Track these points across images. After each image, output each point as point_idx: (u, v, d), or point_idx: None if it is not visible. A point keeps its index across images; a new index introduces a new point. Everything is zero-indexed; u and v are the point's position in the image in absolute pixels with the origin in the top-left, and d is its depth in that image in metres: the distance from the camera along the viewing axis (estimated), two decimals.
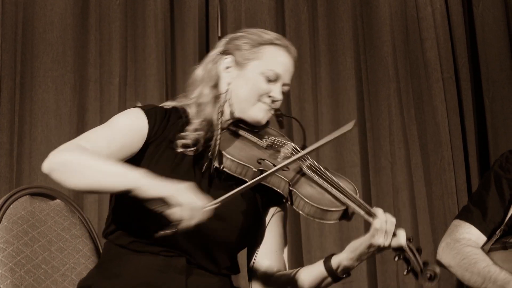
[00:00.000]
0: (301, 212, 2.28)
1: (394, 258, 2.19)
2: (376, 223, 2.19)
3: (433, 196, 4.07)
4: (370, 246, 2.21)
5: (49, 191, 3.00)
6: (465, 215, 2.90)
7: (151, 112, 2.44)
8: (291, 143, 2.47)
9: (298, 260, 3.89)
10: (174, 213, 2.10)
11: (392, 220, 2.20)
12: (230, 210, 2.36)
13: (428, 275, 2.12)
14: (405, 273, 2.17)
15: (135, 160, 2.38)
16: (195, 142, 2.39)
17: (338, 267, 2.30)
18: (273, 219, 2.51)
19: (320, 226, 3.92)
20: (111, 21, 3.93)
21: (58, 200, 2.98)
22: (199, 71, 2.56)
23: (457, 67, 4.22)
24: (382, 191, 4.02)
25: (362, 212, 2.24)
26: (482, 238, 2.84)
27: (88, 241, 2.93)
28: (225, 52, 2.53)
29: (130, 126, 2.40)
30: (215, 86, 2.50)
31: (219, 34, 4.04)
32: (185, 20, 3.97)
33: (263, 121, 2.46)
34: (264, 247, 2.49)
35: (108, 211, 2.48)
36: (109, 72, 3.85)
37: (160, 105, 2.53)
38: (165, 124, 2.45)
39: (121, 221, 2.41)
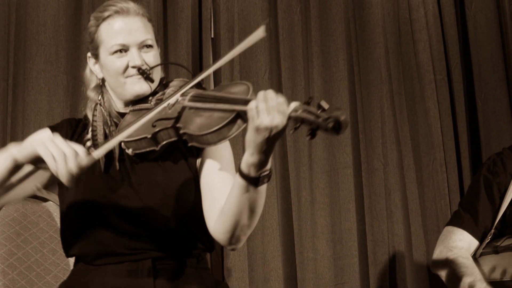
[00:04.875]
0: (208, 146, 2.22)
1: (291, 131, 2.00)
2: (250, 107, 2.03)
3: (425, 197, 4.08)
4: (257, 130, 2.01)
5: (41, 192, 3.00)
6: (457, 221, 2.91)
7: (56, 127, 2.50)
8: (173, 88, 2.41)
9: (291, 262, 3.89)
10: (51, 168, 2.05)
11: (270, 95, 2.01)
12: (161, 186, 2.36)
13: (331, 125, 1.90)
14: (307, 138, 1.97)
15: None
16: (95, 143, 2.39)
17: (248, 168, 2.10)
18: (202, 168, 2.43)
19: (312, 228, 3.93)
20: None
21: (50, 202, 2.98)
22: (84, 77, 2.59)
23: (450, 69, 4.24)
24: (375, 193, 4.03)
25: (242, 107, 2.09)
26: (474, 243, 2.85)
27: None
28: (88, 50, 2.53)
29: None
30: (97, 86, 2.54)
31: (212, 36, 4.04)
32: (178, 21, 3.97)
33: (143, 91, 2.40)
34: (207, 198, 2.38)
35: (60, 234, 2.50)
36: None
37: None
38: (70, 134, 2.49)
39: (76, 242, 2.41)
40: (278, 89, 4.04)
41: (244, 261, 3.82)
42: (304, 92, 4.04)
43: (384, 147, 4.06)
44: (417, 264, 3.96)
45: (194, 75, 2.37)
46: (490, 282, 2.76)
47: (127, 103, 2.47)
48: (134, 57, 2.39)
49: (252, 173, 2.11)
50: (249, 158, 2.09)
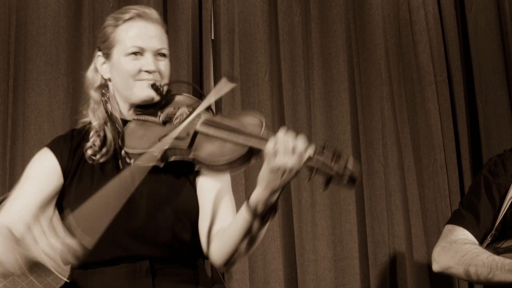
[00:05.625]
0: (215, 174, 2.28)
1: (306, 180, 2.10)
2: (268, 146, 2.09)
3: (425, 199, 4.07)
4: (272, 170, 2.08)
5: None
6: (458, 220, 2.90)
7: (54, 145, 2.48)
8: (185, 108, 2.41)
9: (291, 263, 3.89)
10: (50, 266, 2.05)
11: (289, 138, 2.08)
12: (165, 195, 2.37)
13: (345, 182, 2.01)
14: (321, 189, 2.07)
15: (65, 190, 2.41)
16: (99, 147, 2.41)
17: (256, 203, 2.16)
18: (202, 186, 2.44)
19: (313, 230, 3.92)
20: None
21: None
22: (86, 76, 2.57)
23: (450, 70, 4.23)
24: (375, 194, 4.02)
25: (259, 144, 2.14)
26: (475, 243, 2.84)
27: None
28: (98, 49, 2.52)
29: (41, 170, 2.44)
30: (101, 86, 2.52)
31: (212, 37, 4.04)
32: (178, 22, 3.96)
33: (150, 97, 2.41)
34: (204, 219, 2.39)
35: None
36: None
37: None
38: (69, 146, 2.47)
39: None
40: (279, 91, 4.04)
41: (245, 263, 3.82)
42: (305, 93, 4.04)
43: (385, 149, 4.06)
44: (417, 265, 3.96)
45: (202, 95, 2.39)
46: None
47: (131, 107, 2.48)
48: (148, 62, 2.42)
49: (260, 209, 2.17)
50: (259, 195, 2.15)
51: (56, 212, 2.46)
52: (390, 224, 4.00)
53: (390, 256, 3.98)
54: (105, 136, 2.45)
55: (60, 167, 2.44)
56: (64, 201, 2.42)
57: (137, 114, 2.45)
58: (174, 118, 2.38)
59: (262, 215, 2.18)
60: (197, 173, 2.43)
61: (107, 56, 2.48)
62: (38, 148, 3.67)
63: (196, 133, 2.29)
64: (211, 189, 2.41)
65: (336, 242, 3.95)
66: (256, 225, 2.21)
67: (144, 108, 2.45)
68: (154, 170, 2.35)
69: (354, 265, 3.93)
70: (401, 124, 4.11)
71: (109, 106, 2.49)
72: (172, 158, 2.32)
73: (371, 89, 4.14)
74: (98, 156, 2.41)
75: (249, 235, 2.23)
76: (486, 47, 4.24)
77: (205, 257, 2.45)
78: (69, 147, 2.48)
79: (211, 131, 2.27)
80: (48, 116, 3.73)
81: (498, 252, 2.75)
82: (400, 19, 4.24)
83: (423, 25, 4.21)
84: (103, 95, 2.50)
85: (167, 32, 2.55)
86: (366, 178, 4.04)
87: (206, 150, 2.25)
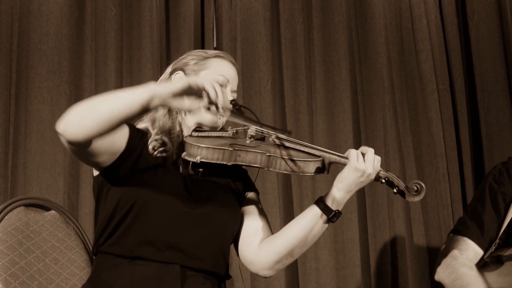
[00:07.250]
0: (280, 171, 2.44)
1: (380, 181, 2.44)
2: (359, 150, 2.41)
3: (428, 207, 4.07)
4: (355, 170, 2.38)
5: (44, 202, 3.00)
6: (462, 230, 2.90)
7: (131, 125, 2.56)
8: (253, 125, 2.57)
9: (293, 272, 3.89)
10: (209, 91, 2.23)
11: (372, 150, 2.42)
12: (211, 206, 2.49)
13: (415, 188, 2.41)
14: (395, 191, 2.43)
15: (116, 176, 2.46)
16: (162, 143, 2.52)
17: (330, 200, 2.45)
18: (248, 203, 2.65)
19: None
20: (106, 32, 3.93)
21: (53, 211, 2.97)
22: None
23: (452, 79, 4.23)
24: (377, 203, 4.02)
25: (337, 158, 2.44)
26: (479, 253, 2.83)
27: (82, 252, 2.93)
28: (174, 71, 2.67)
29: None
30: None
31: (215, 45, 4.04)
32: (181, 31, 3.97)
33: (218, 122, 2.59)
34: (247, 228, 2.60)
35: (96, 226, 2.51)
36: (104, 83, 3.85)
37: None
38: (139, 137, 2.55)
39: (115, 229, 2.44)
40: (281, 99, 4.05)
41: (246, 271, 3.80)
42: (307, 102, 4.05)
43: (387, 157, 4.06)
44: (419, 274, 3.95)
45: (258, 120, 2.57)
46: None
47: (194, 125, 2.59)
48: (228, 94, 2.58)
49: (333, 206, 2.45)
50: (335, 193, 2.44)
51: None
52: (392, 232, 4.00)
53: (392, 264, 3.97)
54: (163, 142, 2.54)
55: (128, 136, 2.48)
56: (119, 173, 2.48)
57: (197, 130, 2.58)
58: (245, 131, 2.55)
59: (332, 212, 2.45)
60: (244, 194, 2.66)
61: (189, 76, 2.61)
62: (40, 156, 3.71)
63: (273, 143, 2.49)
64: (255, 205, 2.64)
65: (338, 250, 3.94)
66: (320, 223, 2.47)
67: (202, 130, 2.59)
68: (210, 173, 2.54)
69: (356, 273, 3.92)
70: (403, 132, 4.11)
71: (178, 118, 2.62)
72: (245, 163, 2.45)
73: (373, 97, 4.14)
74: (156, 152, 2.50)
75: (309, 234, 2.47)
76: (488, 56, 4.25)
77: (223, 275, 2.58)
78: (138, 137, 2.54)
79: (287, 142, 2.49)
80: (50, 123, 3.73)
81: (501, 260, 2.74)
82: (403, 28, 4.24)
83: (425, 34, 4.22)
84: (170, 109, 2.62)
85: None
86: (368, 187, 4.03)
87: (282, 151, 2.45)
